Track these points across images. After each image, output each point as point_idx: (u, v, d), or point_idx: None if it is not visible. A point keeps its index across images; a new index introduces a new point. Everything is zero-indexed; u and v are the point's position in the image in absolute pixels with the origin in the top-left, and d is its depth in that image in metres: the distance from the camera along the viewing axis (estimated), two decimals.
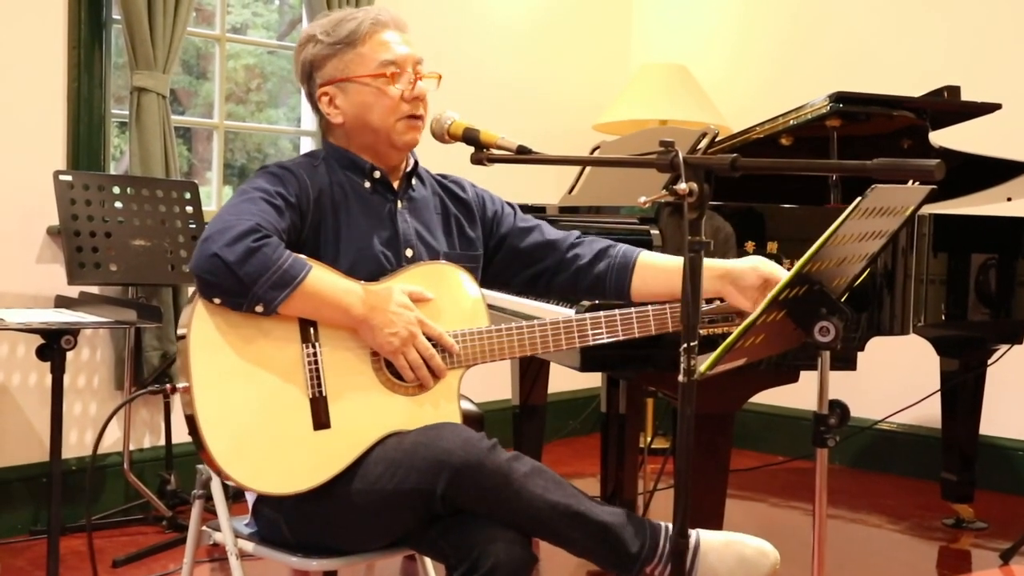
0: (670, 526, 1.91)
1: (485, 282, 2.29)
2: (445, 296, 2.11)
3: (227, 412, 1.90)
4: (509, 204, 2.38)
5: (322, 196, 2.09)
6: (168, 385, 1.97)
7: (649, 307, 2.12)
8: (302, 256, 1.96)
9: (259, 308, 1.91)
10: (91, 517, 3.62)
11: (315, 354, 1.97)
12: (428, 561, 2.49)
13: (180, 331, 1.94)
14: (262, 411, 1.92)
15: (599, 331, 2.12)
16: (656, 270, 2.22)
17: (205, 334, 1.92)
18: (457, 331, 2.07)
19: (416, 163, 2.25)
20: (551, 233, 2.33)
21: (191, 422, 1.90)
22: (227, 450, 1.89)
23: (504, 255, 2.33)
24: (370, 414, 1.99)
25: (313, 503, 1.94)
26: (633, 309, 2.13)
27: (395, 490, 1.91)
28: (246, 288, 1.88)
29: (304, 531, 1.99)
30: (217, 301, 1.92)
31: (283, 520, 2.00)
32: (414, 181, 2.24)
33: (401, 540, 2.02)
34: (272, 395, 1.93)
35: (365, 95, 2.12)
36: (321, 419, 1.95)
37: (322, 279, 1.96)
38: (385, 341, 1.97)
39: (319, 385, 1.96)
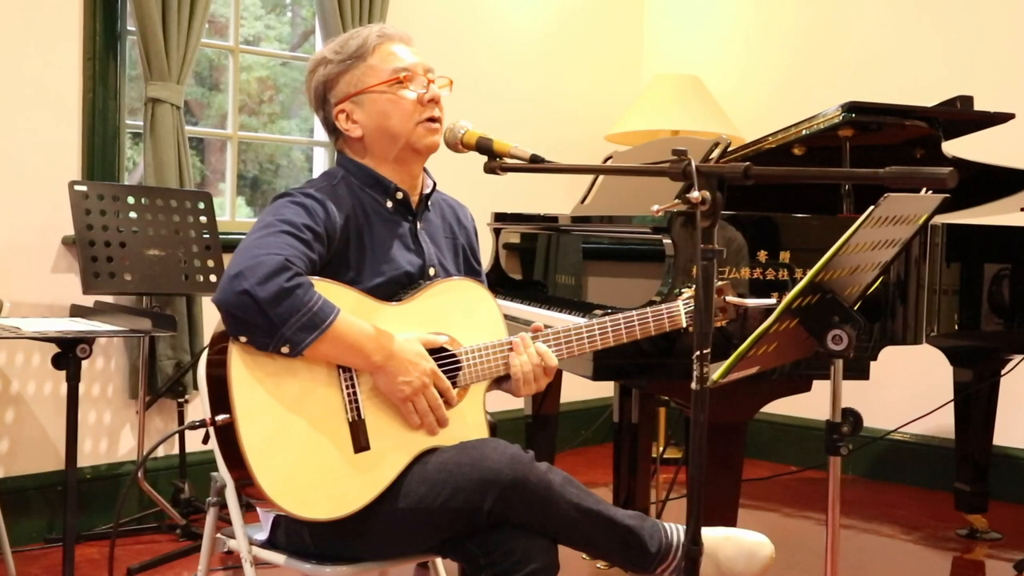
0: (680, 527, 2.02)
1: None
2: (467, 310, 2.15)
3: (273, 444, 1.88)
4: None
5: (348, 222, 2.09)
6: (208, 417, 1.90)
7: (663, 307, 2.22)
8: (330, 300, 1.93)
9: (285, 349, 1.88)
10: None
11: (351, 377, 1.98)
12: (440, 565, 2.50)
13: (215, 358, 1.91)
14: (306, 439, 1.91)
15: (618, 334, 2.19)
16: None
17: (244, 366, 1.89)
18: (479, 344, 2.10)
19: (434, 185, 2.27)
20: None
21: (236, 456, 1.87)
22: (277, 482, 1.88)
23: None
24: (405, 432, 2.01)
25: (348, 520, 1.94)
26: (649, 310, 2.21)
27: (440, 508, 1.93)
28: (275, 328, 1.86)
29: (329, 543, 2.00)
30: (244, 339, 1.88)
31: (307, 532, 2.01)
32: (429, 204, 2.26)
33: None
34: (314, 422, 1.93)
35: (382, 103, 2.14)
36: (361, 442, 1.96)
37: (349, 323, 1.94)
38: (397, 388, 1.97)
39: (357, 409, 1.97)
